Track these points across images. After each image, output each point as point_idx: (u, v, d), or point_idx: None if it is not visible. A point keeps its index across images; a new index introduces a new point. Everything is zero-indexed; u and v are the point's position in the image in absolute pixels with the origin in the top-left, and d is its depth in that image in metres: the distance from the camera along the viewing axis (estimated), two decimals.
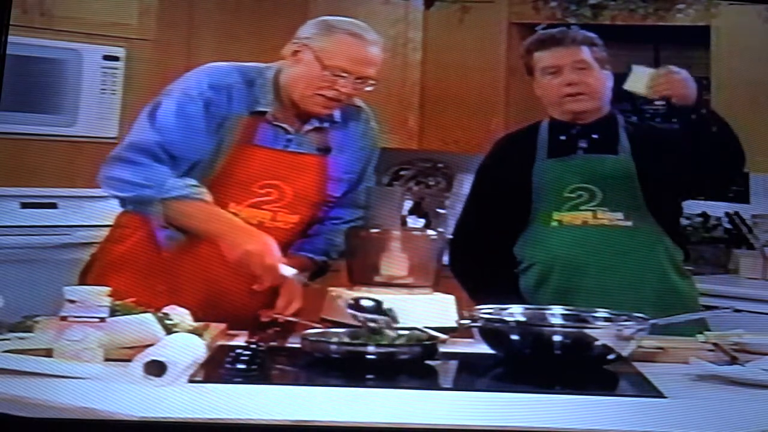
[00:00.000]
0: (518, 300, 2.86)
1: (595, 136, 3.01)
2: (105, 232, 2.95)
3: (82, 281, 2.80)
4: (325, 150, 2.86)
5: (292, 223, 2.83)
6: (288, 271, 2.69)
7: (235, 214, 2.75)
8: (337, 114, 2.86)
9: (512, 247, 3.01)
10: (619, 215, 2.93)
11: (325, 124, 2.86)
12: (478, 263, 3.03)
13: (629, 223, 2.92)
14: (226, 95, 2.77)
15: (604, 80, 3.02)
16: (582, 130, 3.01)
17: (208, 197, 2.72)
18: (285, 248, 2.80)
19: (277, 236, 2.75)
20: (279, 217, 2.81)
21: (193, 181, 2.73)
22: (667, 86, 2.86)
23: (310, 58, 2.76)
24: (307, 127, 2.84)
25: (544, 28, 5.06)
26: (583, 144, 3.00)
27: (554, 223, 2.94)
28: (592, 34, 3.04)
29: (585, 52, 2.99)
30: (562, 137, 3.02)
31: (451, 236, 3.12)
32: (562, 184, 2.96)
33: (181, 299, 2.62)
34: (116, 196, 2.77)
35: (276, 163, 2.79)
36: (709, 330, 2.70)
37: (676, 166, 2.92)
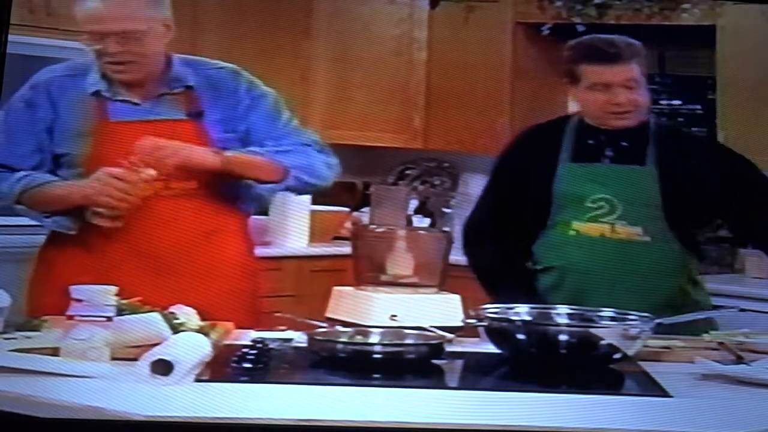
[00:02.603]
0: (532, 296, 2.84)
1: (624, 144, 2.93)
2: None
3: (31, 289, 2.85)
4: (196, 114, 2.84)
5: (193, 188, 2.80)
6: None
7: None
8: (190, 78, 2.84)
9: (528, 243, 2.97)
10: (638, 230, 2.88)
11: (178, 88, 2.84)
12: (491, 253, 2.99)
13: (647, 238, 2.88)
14: (47, 90, 2.81)
15: (648, 93, 2.94)
16: (611, 137, 2.93)
17: (45, 177, 2.77)
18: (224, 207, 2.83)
19: (184, 204, 2.78)
20: (173, 185, 2.79)
21: (23, 173, 2.77)
22: None
23: (83, 31, 2.78)
24: (155, 94, 2.83)
25: (549, 29, 5.11)
26: (609, 152, 2.93)
27: (572, 232, 2.91)
28: (638, 46, 2.92)
29: (636, 70, 2.88)
30: (591, 141, 2.95)
31: (465, 222, 3.09)
32: (584, 193, 2.90)
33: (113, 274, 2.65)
34: None
35: (139, 133, 2.76)
36: (716, 329, 2.69)
37: (704, 188, 2.89)
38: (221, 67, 2.91)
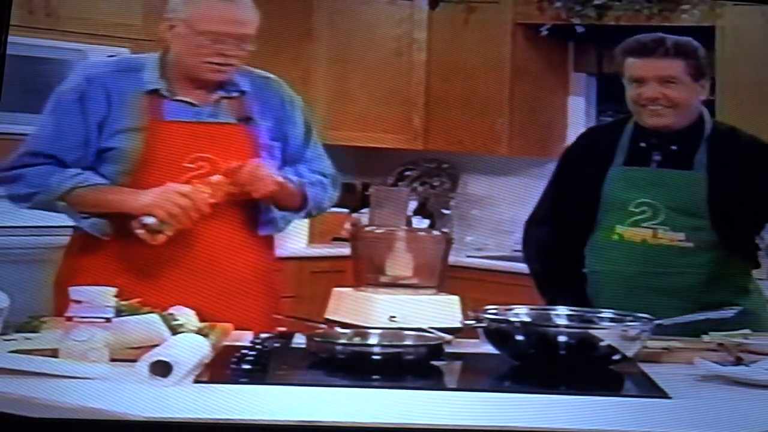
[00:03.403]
0: (581, 299, 2.84)
1: (673, 147, 2.90)
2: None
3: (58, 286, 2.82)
4: (246, 119, 2.85)
5: (236, 194, 2.78)
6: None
7: None
8: (245, 84, 2.85)
9: (580, 245, 2.97)
10: (681, 235, 2.86)
11: (234, 94, 2.85)
12: (546, 254, 3.01)
13: (690, 244, 2.86)
14: (100, 84, 2.79)
15: (694, 93, 2.89)
16: (661, 140, 2.90)
17: (98, 179, 2.75)
18: (243, 227, 2.83)
19: (227, 211, 2.76)
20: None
21: (76, 170, 2.75)
22: None
23: (185, 30, 2.76)
24: (213, 97, 2.83)
25: (548, 29, 5.11)
26: (657, 156, 2.90)
27: (616, 237, 2.89)
28: (691, 43, 2.90)
29: (676, 66, 2.84)
30: (642, 144, 2.92)
31: (526, 222, 3.10)
32: (628, 197, 2.89)
33: (138, 285, 2.66)
34: (27, 208, 2.81)
35: (195, 135, 2.78)
36: (722, 330, 2.69)
37: (753, 189, 2.87)
38: (268, 77, 2.93)
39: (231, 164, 2.72)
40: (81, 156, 2.77)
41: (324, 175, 2.95)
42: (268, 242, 2.92)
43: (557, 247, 3.00)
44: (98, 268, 2.76)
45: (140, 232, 2.68)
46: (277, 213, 2.87)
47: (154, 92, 2.79)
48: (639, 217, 2.88)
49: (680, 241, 2.87)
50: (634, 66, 2.87)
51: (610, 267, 2.91)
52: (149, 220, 2.67)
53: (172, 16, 2.79)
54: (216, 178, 2.72)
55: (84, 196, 2.75)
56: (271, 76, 2.94)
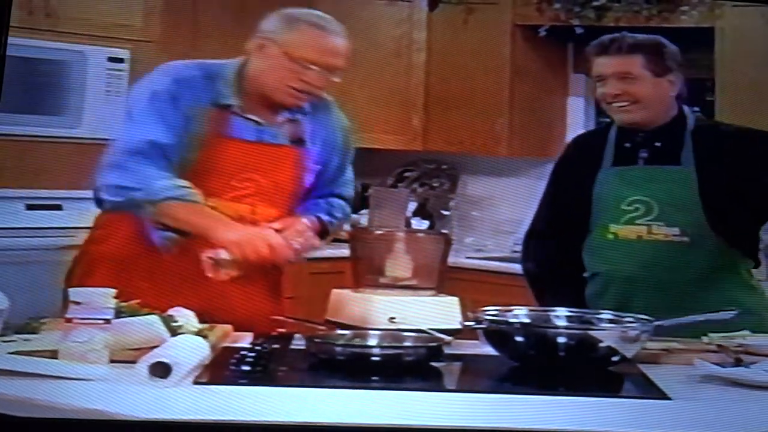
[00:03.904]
0: (580, 304, 2.83)
1: (657, 144, 2.91)
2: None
3: (68, 283, 2.81)
4: (298, 142, 2.86)
5: (272, 217, 2.80)
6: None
7: (214, 208, 2.73)
8: (306, 105, 2.86)
9: (577, 250, 2.97)
10: (675, 230, 2.86)
11: (297, 116, 2.86)
12: (546, 265, 3.01)
13: (686, 239, 2.86)
14: (189, 87, 2.77)
15: (657, 88, 2.89)
16: (645, 138, 2.92)
17: (199, 198, 2.71)
18: None
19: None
20: (258, 210, 2.80)
21: (184, 182, 2.72)
22: None
23: (277, 52, 2.76)
24: (279, 118, 2.84)
25: (546, 30, 5.11)
26: (643, 154, 2.92)
27: (611, 236, 2.90)
28: (652, 39, 2.92)
29: (633, 61, 2.86)
30: (627, 144, 2.93)
31: (525, 235, 3.11)
32: (620, 197, 2.90)
33: (163, 296, 2.64)
34: (111, 202, 2.76)
35: (251, 155, 2.79)
36: (725, 331, 2.69)
37: (746, 180, 2.86)
38: (326, 100, 2.93)
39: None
40: (176, 159, 2.74)
41: (346, 200, 2.97)
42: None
43: (558, 259, 3.00)
44: (117, 273, 2.75)
45: (208, 261, 2.65)
46: None
47: (227, 107, 2.79)
48: (633, 214, 2.89)
49: (675, 236, 2.87)
50: (596, 64, 2.91)
51: (607, 267, 2.91)
52: (224, 255, 2.64)
53: (266, 36, 2.78)
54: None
55: (174, 208, 2.70)
56: (329, 98, 2.94)
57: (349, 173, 3.01)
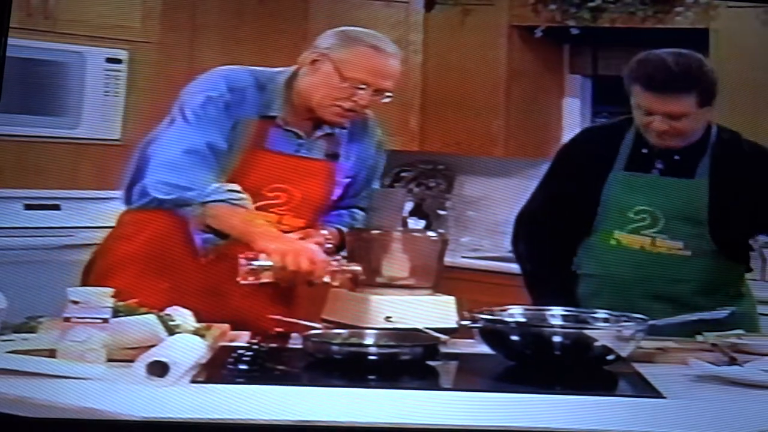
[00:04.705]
0: (570, 298, 2.85)
1: (676, 157, 2.87)
2: (105, 232, 2.96)
3: (85, 280, 2.82)
4: (333, 156, 2.88)
5: (298, 228, 2.83)
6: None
7: None
8: (346, 122, 2.87)
9: (573, 244, 2.97)
10: (679, 244, 2.86)
11: (336, 131, 2.87)
12: (538, 248, 3.00)
13: (688, 253, 2.86)
14: (241, 97, 2.78)
15: (703, 119, 2.83)
16: (665, 149, 2.87)
17: (249, 204, 2.72)
18: None
19: None
20: (285, 221, 2.81)
21: (235, 186, 2.72)
22: None
23: (330, 69, 2.76)
24: (319, 133, 2.85)
25: (542, 31, 5.12)
26: (659, 165, 2.89)
27: (613, 242, 2.89)
28: (702, 68, 2.80)
29: (687, 102, 2.77)
30: (644, 150, 2.89)
31: (519, 212, 3.09)
32: (629, 203, 2.88)
33: (184, 298, 2.63)
34: (159, 199, 2.76)
35: (286, 168, 2.80)
36: (720, 330, 2.70)
37: (755, 200, 2.86)
38: (367, 117, 2.93)
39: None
40: (224, 165, 2.75)
41: (366, 210, 2.97)
42: None
43: (549, 245, 2.99)
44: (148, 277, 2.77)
45: (244, 264, 2.64)
46: None
47: (272, 118, 2.80)
48: (639, 224, 2.88)
49: (678, 249, 2.87)
50: (643, 97, 2.80)
51: (607, 271, 2.91)
52: (262, 261, 2.64)
53: (321, 52, 2.79)
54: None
55: (219, 210, 2.71)
56: (371, 115, 2.94)
57: (376, 186, 3.01)
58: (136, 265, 2.79)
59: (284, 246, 2.65)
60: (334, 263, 2.70)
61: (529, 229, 3.05)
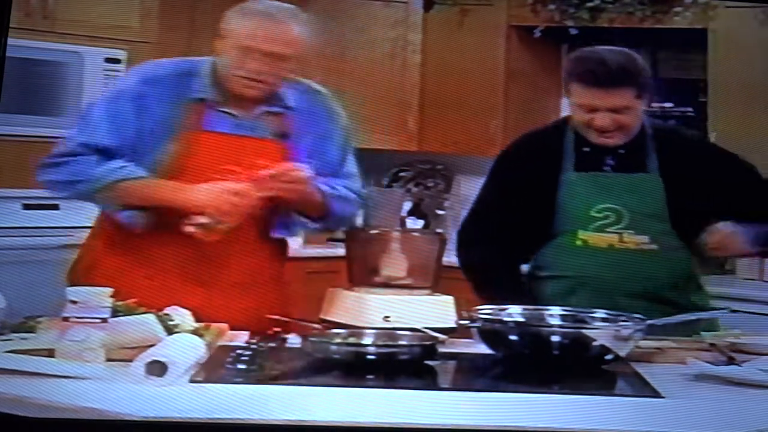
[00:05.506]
0: (525, 301, 2.82)
1: (621, 151, 2.88)
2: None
3: (69, 279, 2.83)
4: (282, 135, 2.86)
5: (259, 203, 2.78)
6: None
7: None
8: (292, 99, 2.86)
9: (527, 249, 2.96)
10: (645, 238, 2.86)
11: (276, 109, 2.85)
12: (486, 257, 2.96)
13: (655, 247, 2.85)
14: (157, 87, 2.80)
15: (640, 113, 2.86)
16: (606, 147, 2.87)
17: (143, 172, 2.74)
18: (259, 227, 2.82)
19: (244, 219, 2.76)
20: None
21: (121, 162, 2.74)
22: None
23: (231, 42, 2.79)
24: (257, 111, 2.84)
25: (541, 31, 5.12)
26: (610, 161, 2.89)
27: (579, 242, 2.88)
28: (636, 65, 2.82)
29: (627, 95, 2.79)
30: (586, 149, 2.89)
31: (460, 225, 3.07)
32: (589, 203, 2.87)
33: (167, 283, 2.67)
34: (60, 197, 2.81)
35: (230, 147, 2.79)
36: (718, 330, 2.70)
37: (706, 188, 2.86)
38: (318, 91, 2.93)
39: (274, 168, 2.71)
40: (129, 158, 2.77)
41: (354, 193, 2.95)
42: (279, 245, 2.93)
43: (502, 264, 2.94)
44: (120, 264, 2.78)
45: (192, 230, 2.68)
46: (295, 218, 2.87)
47: (201, 101, 2.81)
48: (603, 222, 2.87)
49: (645, 244, 2.86)
50: (584, 94, 2.81)
51: (578, 272, 2.89)
52: (203, 220, 2.67)
53: (224, 27, 2.81)
54: (265, 172, 2.71)
55: (129, 188, 2.74)
56: (322, 90, 2.94)
57: (351, 166, 2.97)
58: (114, 258, 2.81)
59: (206, 195, 2.68)
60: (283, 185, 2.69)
61: (480, 256, 2.97)
